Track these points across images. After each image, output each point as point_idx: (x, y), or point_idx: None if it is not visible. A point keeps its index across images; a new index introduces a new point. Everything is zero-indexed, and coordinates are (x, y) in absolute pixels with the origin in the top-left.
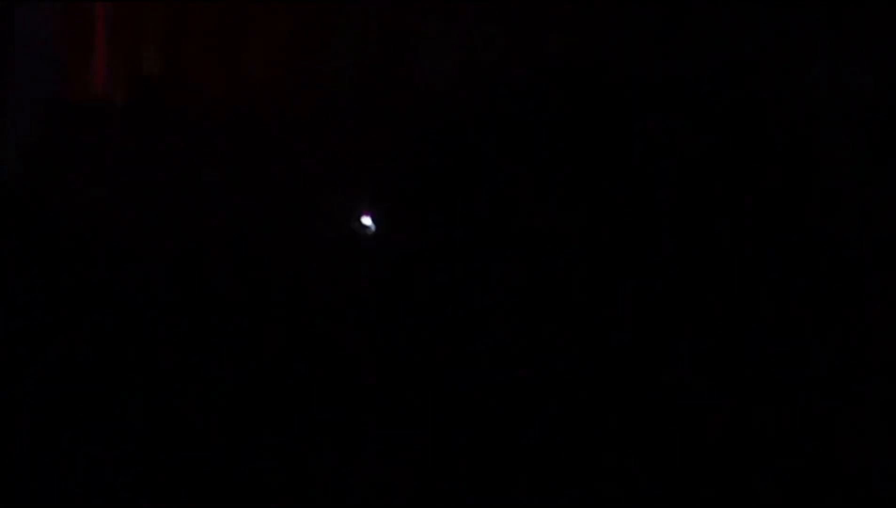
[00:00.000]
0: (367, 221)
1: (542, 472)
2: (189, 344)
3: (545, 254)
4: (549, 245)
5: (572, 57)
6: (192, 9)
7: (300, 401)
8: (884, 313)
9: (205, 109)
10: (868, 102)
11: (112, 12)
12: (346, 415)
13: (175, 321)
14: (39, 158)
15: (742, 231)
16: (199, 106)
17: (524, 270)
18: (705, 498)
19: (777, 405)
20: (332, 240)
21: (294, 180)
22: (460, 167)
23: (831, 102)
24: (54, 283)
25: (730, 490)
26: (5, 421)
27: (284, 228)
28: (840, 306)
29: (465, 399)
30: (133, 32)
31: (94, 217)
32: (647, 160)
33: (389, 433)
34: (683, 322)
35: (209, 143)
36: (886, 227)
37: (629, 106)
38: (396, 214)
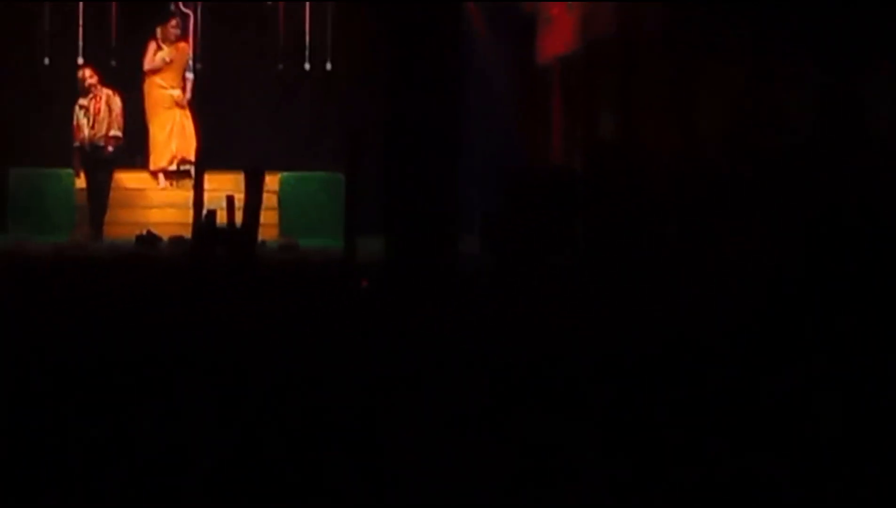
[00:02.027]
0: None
1: None
2: None
3: None
4: None
5: None
6: (642, 73)
7: None
8: None
9: (659, 169)
10: None
11: (566, 80)
12: None
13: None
14: (500, 225)
15: None
16: (653, 167)
17: None
18: None
19: None
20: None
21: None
22: None
23: None
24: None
25: None
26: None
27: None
28: None
29: None
30: (587, 99)
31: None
32: None
33: None
34: None
35: (667, 203)
36: None
37: None
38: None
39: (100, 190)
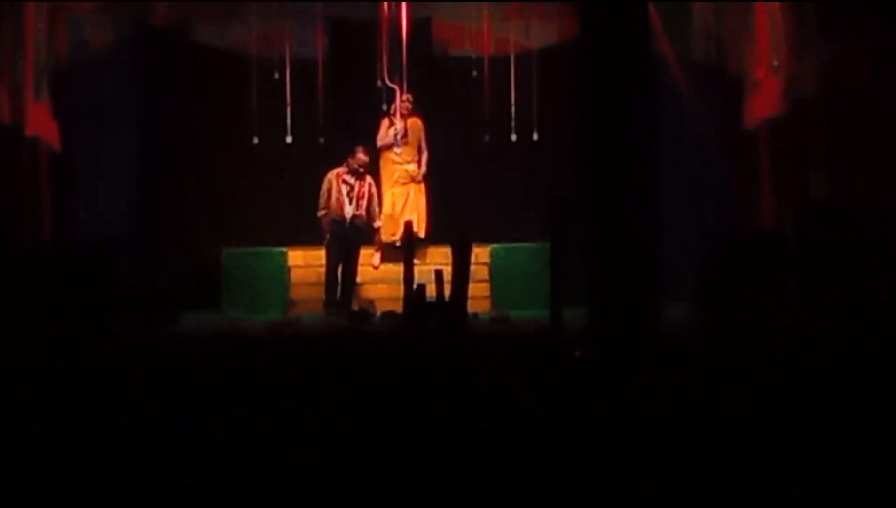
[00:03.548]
0: None
1: None
2: None
3: None
4: None
5: None
6: (852, 132)
7: None
8: None
9: (873, 230)
10: None
11: (775, 143)
12: None
13: None
14: (713, 291)
15: None
16: (867, 228)
17: None
18: None
19: None
20: None
21: None
22: None
23: None
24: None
25: None
26: None
27: None
28: None
29: None
30: (797, 160)
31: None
32: None
33: None
34: None
35: (878, 266)
36: None
37: None
38: None
39: (348, 268)
